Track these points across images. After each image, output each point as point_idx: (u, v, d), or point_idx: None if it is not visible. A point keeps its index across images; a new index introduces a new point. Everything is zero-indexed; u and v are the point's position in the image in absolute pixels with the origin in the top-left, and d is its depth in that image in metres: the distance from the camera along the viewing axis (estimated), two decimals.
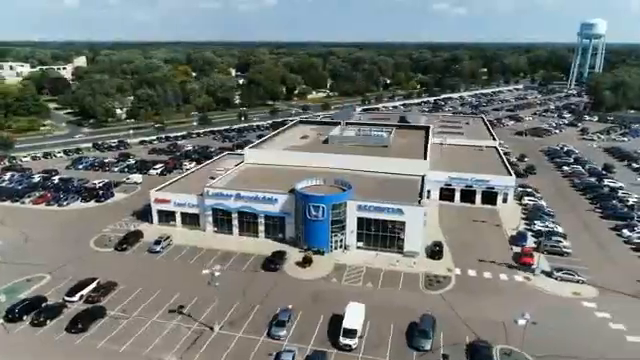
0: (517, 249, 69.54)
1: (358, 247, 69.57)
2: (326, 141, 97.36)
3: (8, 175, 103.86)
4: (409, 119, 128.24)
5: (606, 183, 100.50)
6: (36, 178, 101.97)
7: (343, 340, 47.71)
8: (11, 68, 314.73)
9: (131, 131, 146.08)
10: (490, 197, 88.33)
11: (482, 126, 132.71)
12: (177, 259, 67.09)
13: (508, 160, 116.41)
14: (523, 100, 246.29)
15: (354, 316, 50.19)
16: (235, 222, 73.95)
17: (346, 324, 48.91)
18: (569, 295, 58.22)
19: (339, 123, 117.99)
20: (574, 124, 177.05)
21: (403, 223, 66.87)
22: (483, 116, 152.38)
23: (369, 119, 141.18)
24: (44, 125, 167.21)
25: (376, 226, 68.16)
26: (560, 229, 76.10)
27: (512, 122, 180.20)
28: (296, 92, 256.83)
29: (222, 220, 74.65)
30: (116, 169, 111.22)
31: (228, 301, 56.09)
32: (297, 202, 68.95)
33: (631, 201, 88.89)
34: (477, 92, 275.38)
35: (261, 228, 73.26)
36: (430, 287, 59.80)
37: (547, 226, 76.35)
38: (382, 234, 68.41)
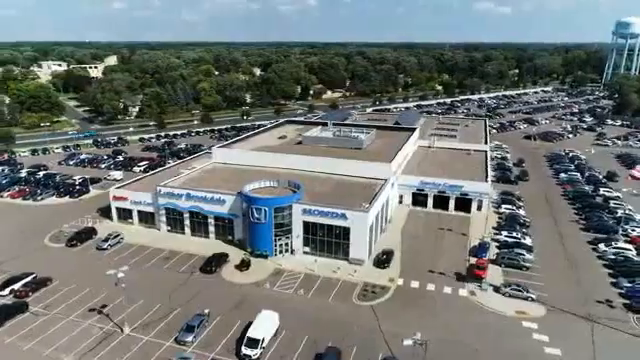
0: (474, 260, 65.21)
1: (305, 252, 67.19)
2: (300, 142, 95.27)
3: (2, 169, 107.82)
4: (401, 121, 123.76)
5: (602, 192, 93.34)
6: (23, 173, 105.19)
7: (244, 350, 45.71)
8: (48, 67, 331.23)
9: (131, 128, 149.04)
10: (464, 204, 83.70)
11: (481, 129, 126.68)
12: (119, 258, 66.89)
13: (503, 165, 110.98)
14: (546, 102, 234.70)
15: (262, 325, 48.04)
16: (187, 222, 73.23)
17: (250, 333, 46.87)
18: (511, 314, 53.75)
19: (326, 124, 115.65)
20: (593, 128, 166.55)
21: (348, 229, 64.05)
22: (486, 119, 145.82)
23: (366, 120, 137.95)
24: (58, 121, 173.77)
25: (322, 231, 65.58)
26: (528, 241, 70.90)
27: (526, 125, 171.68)
28: (312, 92, 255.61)
29: (175, 219, 74.06)
30: (103, 166, 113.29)
31: (152, 302, 55.40)
32: (242, 204, 67.37)
33: (620, 213, 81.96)
34: (500, 94, 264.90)
35: (211, 229, 72.18)
36: (363, 298, 56.71)
37: (514, 237, 71.32)
38: (328, 239, 65.76)
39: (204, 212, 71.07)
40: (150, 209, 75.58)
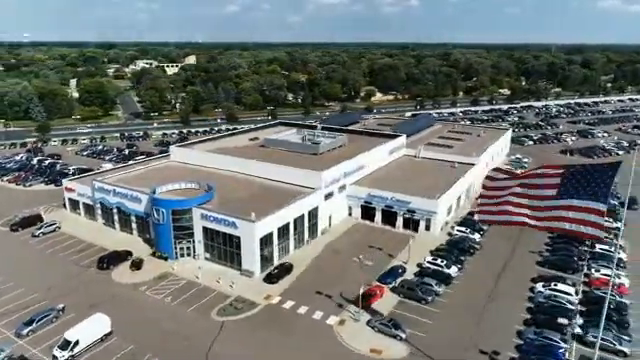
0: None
1: (206, 258, 65.54)
2: (263, 145, 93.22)
3: (19, 156, 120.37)
4: (406, 127, 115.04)
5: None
6: (34, 160, 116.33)
7: (54, 350, 45.64)
8: (135, 65, 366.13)
9: (155, 124, 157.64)
10: (414, 222, 75.76)
11: (492, 140, 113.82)
12: (42, 245, 70.67)
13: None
14: (623, 113, 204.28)
15: (86, 328, 47.58)
16: (115, 217, 75.35)
17: (67, 334, 46.63)
18: (365, 351, 47.26)
19: (316, 127, 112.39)
20: None
21: (239, 238, 61.14)
22: (511, 129, 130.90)
23: (376, 124, 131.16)
24: (111, 114, 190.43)
25: (219, 238, 63.42)
26: (452, 270, 61.88)
27: (575, 138, 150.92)
28: (362, 94, 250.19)
29: (107, 214, 76.64)
30: (107, 158, 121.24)
31: (30, 291, 57.69)
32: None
33: (598, 248, 68.31)
34: (572, 101, 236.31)
35: (134, 226, 73.46)
36: (223, 312, 53.64)
37: (437, 264, 62.74)
38: (224, 247, 63.45)
39: (126, 209, 72.59)
40: (90, 202, 79.06)
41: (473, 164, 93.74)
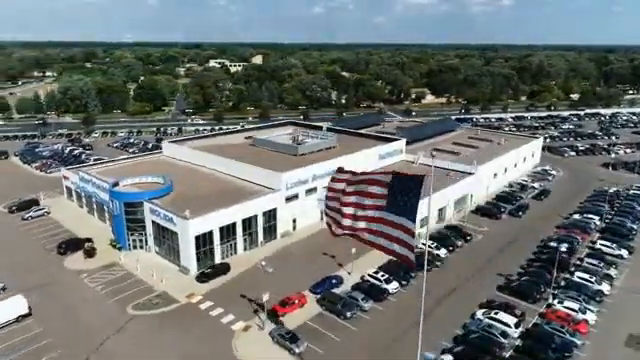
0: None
1: (156, 251, 66.87)
2: (254, 144, 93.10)
3: (56, 145, 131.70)
4: (401, 132, 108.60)
5: (599, 245, 68.62)
6: (67, 150, 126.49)
7: None
8: (203, 64, 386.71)
9: (189, 120, 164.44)
10: None
11: (509, 149, 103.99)
12: (26, 228, 76.42)
13: (507, 197, 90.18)
14: None
15: (1, 308, 50.50)
16: (94, 205, 79.44)
17: None
18: None
19: (321, 127, 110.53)
20: None
21: (177, 234, 61.52)
22: (541, 138, 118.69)
23: (395, 127, 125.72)
24: (162, 109, 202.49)
25: (165, 233, 64.27)
26: (391, 287, 57.19)
27: (630, 150, 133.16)
28: (412, 96, 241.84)
29: (89, 202, 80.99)
30: (130, 150, 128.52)
31: None
32: None
33: (577, 276, 59.34)
34: None
35: (106, 215, 76.87)
36: (141, 307, 54.15)
37: (377, 278, 58.39)
38: (168, 242, 64.22)
39: (98, 199, 76.23)
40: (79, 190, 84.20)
41: (471, 174, 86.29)
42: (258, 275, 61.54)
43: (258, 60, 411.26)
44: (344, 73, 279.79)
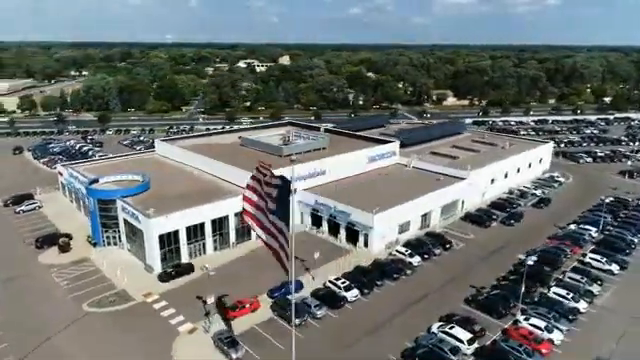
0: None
1: (128, 249, 67.38)
2: (243, 144, 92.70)
3: (70, 142, 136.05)
4: (400, 135, 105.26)
5: (588, 259, 63.93)
6: (77, 146, 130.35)
7: None
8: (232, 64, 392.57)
9: (200, 119, 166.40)
10: (354, 236, 69.36)
11: (510, 154, 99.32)
12: (16, 221, 78.68)
13: (505, 204, 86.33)
14: None
15: None
16: (80, 202, 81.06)
17: None
18: None
19: (319, 129, 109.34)
20: None
21: (143, 232, 61.69)
22: (551, 143, 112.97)
23: (399, 129, 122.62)
24: (180, 109, 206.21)
25: (135, 231, 64.56)
26: (350, 294, 55.14)
27: None
28: (434, 97, 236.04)
29: (77, 198, 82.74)
30: (137, 147, 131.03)
31: None
32: None
33: (552, 293, 55.30)
34: None
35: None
36: (94, 304, 54.38)
37: (337, 285, 56.40)
38: (138, 240, 64.46)
39: (80, 195, 77.69)
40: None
41: (462, 178, 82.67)
42: (221, 276, 60.70)
43: (285, 60, 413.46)
44: (370, 74, 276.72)
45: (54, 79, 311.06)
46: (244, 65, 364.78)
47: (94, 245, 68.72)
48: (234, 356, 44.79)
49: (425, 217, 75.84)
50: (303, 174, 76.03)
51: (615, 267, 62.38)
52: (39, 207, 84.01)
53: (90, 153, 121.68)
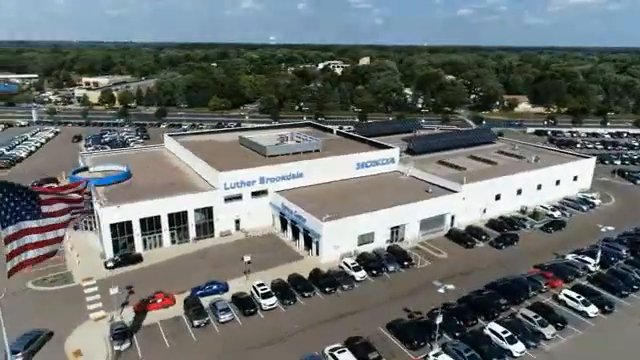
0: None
1: (98, 235, 71.73)
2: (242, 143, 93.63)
3: (122, 133, 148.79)
4: (413, 141, 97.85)
5: (562, 296, 54.45)
6: (125, 137, 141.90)
7: None
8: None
9: (247, 117, 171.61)
10: (309, 242, 66.72)
11: (527, 169, 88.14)
12: None
13: (515, 220, 77.86)
14: None
15: None
16: None
17: None
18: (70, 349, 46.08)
19: (332, 130, 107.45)
20: None
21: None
22: (594, 159, 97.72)
23: (425, 135, 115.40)
24: (241, 107, 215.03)
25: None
26: (267, 302, 52.98)
27: None
28: (506, 103, 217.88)
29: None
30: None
31: None
32: None
33: (487, 329, 47.91)
34: None
35: None
36: (38, 283, 58.57)
37: (267, 293, 54.55)
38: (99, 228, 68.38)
39: None
40: None
41: (455, 191, 75.33)
42: (164, 270, 62.16)
43: (365, 61, 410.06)
44: (449, 77, 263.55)
45: (145, 76, 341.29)
46: (321, 66, 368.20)
47: (75, 229, 74.17)
48: (116, 348, 45.53)
49: (396, 230, 70.31)
50: (275, 176, 74.80)
51: (593, 309, 52.44)
52: None
53: (131, 144, 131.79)
